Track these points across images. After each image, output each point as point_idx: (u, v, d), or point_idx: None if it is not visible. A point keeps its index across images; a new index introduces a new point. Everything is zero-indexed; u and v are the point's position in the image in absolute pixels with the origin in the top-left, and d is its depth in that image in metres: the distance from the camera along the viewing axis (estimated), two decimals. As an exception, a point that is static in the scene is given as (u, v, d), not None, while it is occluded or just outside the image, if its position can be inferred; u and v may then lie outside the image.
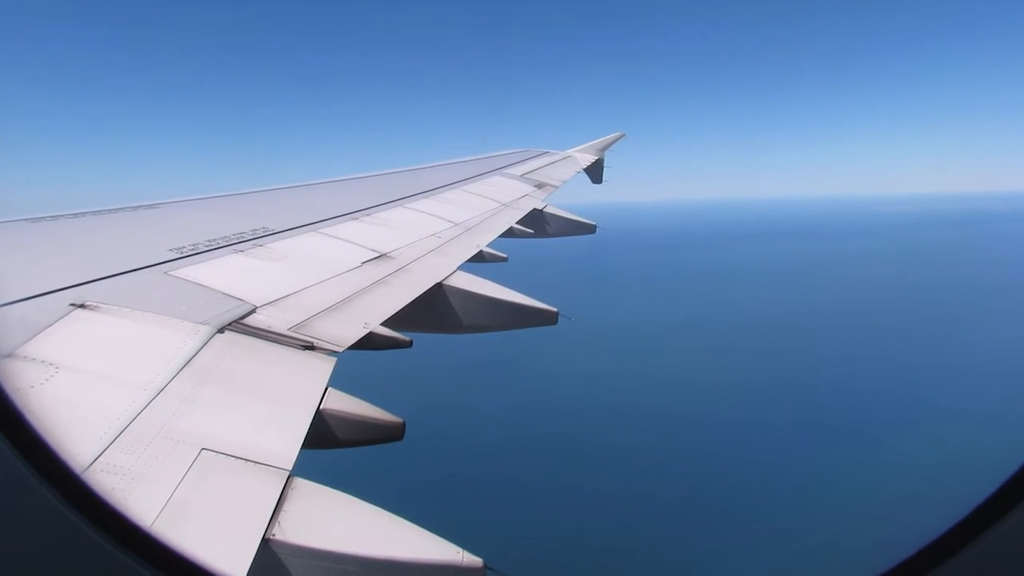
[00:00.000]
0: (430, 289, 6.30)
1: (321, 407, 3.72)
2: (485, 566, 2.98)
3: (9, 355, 3.13)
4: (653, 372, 68.50)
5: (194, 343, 3.80)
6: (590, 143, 21.23)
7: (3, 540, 1.67)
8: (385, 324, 5.13)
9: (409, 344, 5.16)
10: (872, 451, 48.68)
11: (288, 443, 3.21)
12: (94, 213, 6.70)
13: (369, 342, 4.85)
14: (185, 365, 3.55)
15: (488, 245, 8.50)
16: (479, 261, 8.01)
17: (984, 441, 45.05)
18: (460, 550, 3.00)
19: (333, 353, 4.34)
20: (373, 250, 6.82)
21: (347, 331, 4.74)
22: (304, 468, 3.06)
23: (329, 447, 3.84)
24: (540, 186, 13.90)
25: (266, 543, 2.56)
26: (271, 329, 4.34)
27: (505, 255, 8.61)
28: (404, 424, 4.18)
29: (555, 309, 7.05)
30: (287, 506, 2.78)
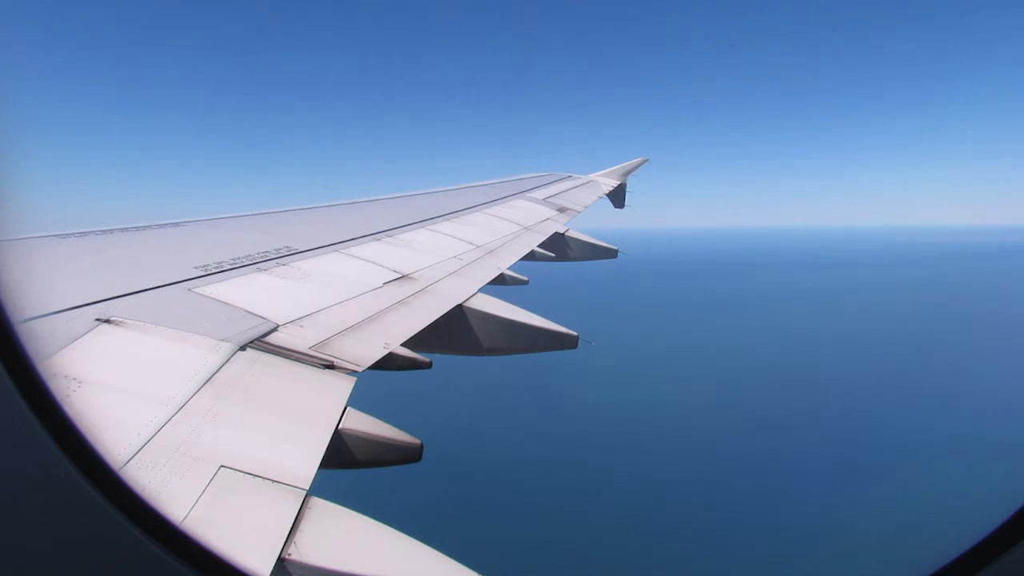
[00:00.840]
0: (451, 311, 6.30)
1: (340, 427, 3.72)
2: None
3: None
4: (672, 399, 67.85)
5: (216, 360, 3.82)
6: (613, 168, 21.25)
7: (44, 532, 1.73)
8: (405, 345, 5.13)
9: (429, 365, 5.15)
10: (888, 480, 47.80)
11: (306, 462, 3.20)
12: (121, 230, 6.80)
13: (389, 362, 4.84)
14: (207, 381, 3.57)
15: (509, 268, 8.50)
16: (500, 284, 8.01)
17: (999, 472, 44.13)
18: (475, 575, 2.97)
19: (353, 373, 4.34)
20: (395, 271, 6.85)
21: (367, 351, 4.74)
22: (321, 488, 3.05)
23: (347, 467, 3.83)
24: (562, 210, 13.92)
25: (282, 563, 2.54)
26: (292, 347, 4.36)
27: (526, 278, 8.60)
28: (422, 446, 4.16)
29: (575, 333, 7.02)
30: (303, 525, 2.77)
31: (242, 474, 2.95)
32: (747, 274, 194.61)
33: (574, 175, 19.52)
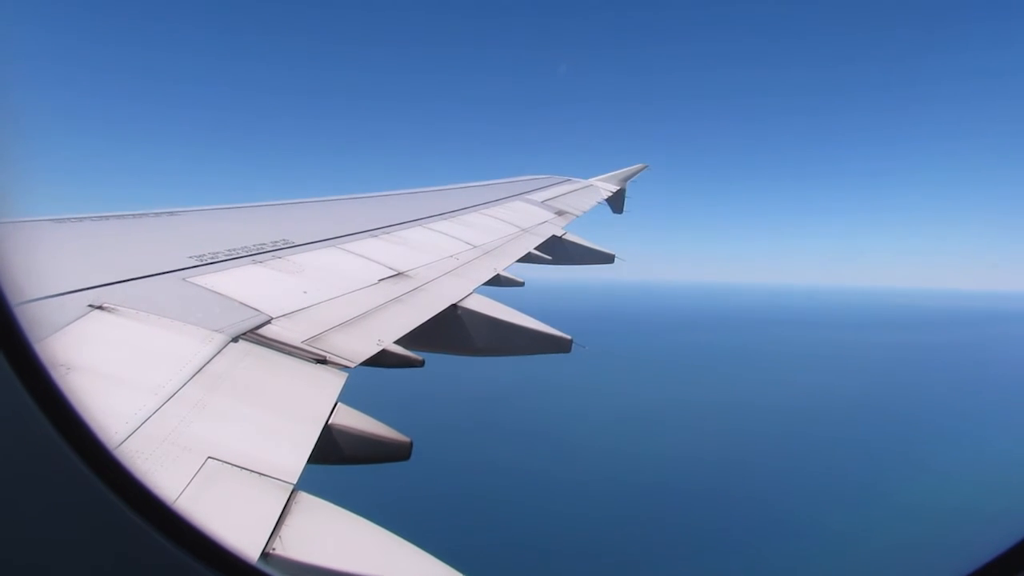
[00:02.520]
0: (445, 310, 6.29)
1: (330, 422, 3.71)
2: None
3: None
4: (667, 445, 66.53)
5: (208, 350, 3.80)
6: (612, 173, 21.27)
7: (38, 509, 1.74)
8: (398, 342, 5.12)
9: (421, 363, 5.15)
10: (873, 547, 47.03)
11: (295, 456, 3.19)
12: (118, 217, 6.78)
13: (381, 359, 4.84)
14: (198, 372, 3.56)
15: (505, 269, 8.50)
16: (496, 285, 8.00)
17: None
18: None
19: (345, 368, 4.33)
20: (390, 268, 6.84)
21: (360, 347, 4.73)
22: (309, 483, 3.04)
23: (335, 463, 3.82)
24: (560, 213, 13.92)
25: (266, 557, 2.53)
26: (285, 341, 4.34)
27: (522, 280, 8.60)
28: (411, 444, 4.15)
29: (569, 337, 7.02)
30: (289, 520, 2.75)
31: (229, 466, 2.93)
32: (747, 330, 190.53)
33: (573, 179, 19.51)
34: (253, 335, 4.25)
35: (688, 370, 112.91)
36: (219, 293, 4.79)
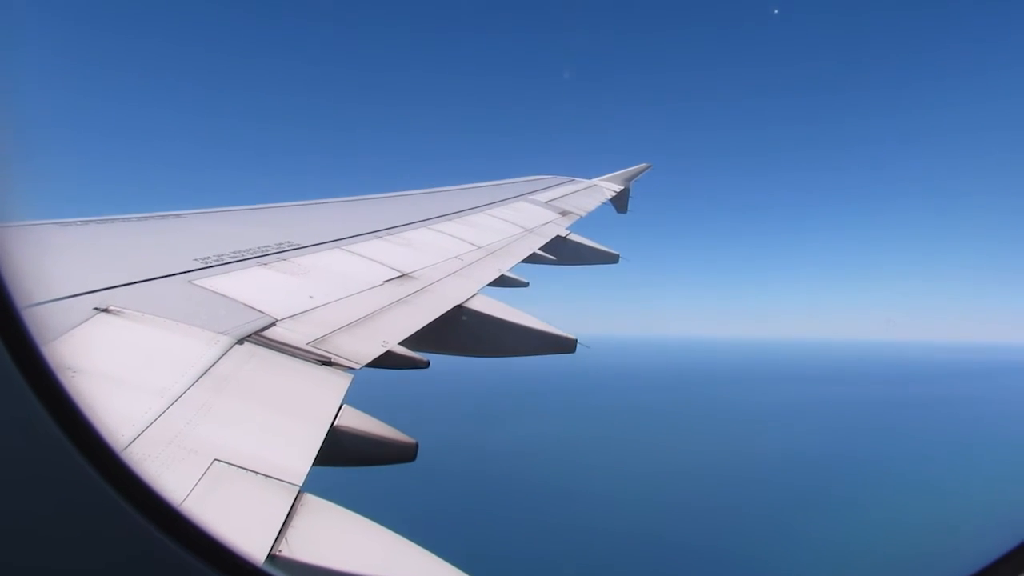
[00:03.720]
0: (450, 311, 6.29)
1: (335, 423, 3.71)
2: None
3: None
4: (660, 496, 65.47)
5: (213, 353, 3.81)
6: (616, 172, 21.24)
7: (46, 512, 1.75)
8: (403, 343, 5.12)
9: (426, 365, 5.15)
10: None
11: (300, 458, 3.19)
12: (123, 219, 6.79)
13: (386, 360, 4.84)
14: (203, 374, 3.56)
15: (510, 270, 8.49)
16: (500, 285, 8.00)
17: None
18: (466, 576, 2.96)
19: (350, 370, 4.33)
20: (395, 269, 6.84)
21: (365, 348, 4.74)
22: (315, 484, 3.04)
23: (341, 464, 3.82)
24: (564, 213, 13.90)
25: (272, 559, 2.53)
26: (290, 343, 4.35)
27: (527, 281, 8.60)
28: (417, 445, 4.15)
29: (574, 337, 7.01)
30: (296, 522, 2.75)
31: (235, 468, 2.93)
32: (744, 386, 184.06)
33: (577, 179, 19.50)
34: (258, 337, 4.26)
35: (691, 423, 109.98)
36: (224, 295, 4.79)
